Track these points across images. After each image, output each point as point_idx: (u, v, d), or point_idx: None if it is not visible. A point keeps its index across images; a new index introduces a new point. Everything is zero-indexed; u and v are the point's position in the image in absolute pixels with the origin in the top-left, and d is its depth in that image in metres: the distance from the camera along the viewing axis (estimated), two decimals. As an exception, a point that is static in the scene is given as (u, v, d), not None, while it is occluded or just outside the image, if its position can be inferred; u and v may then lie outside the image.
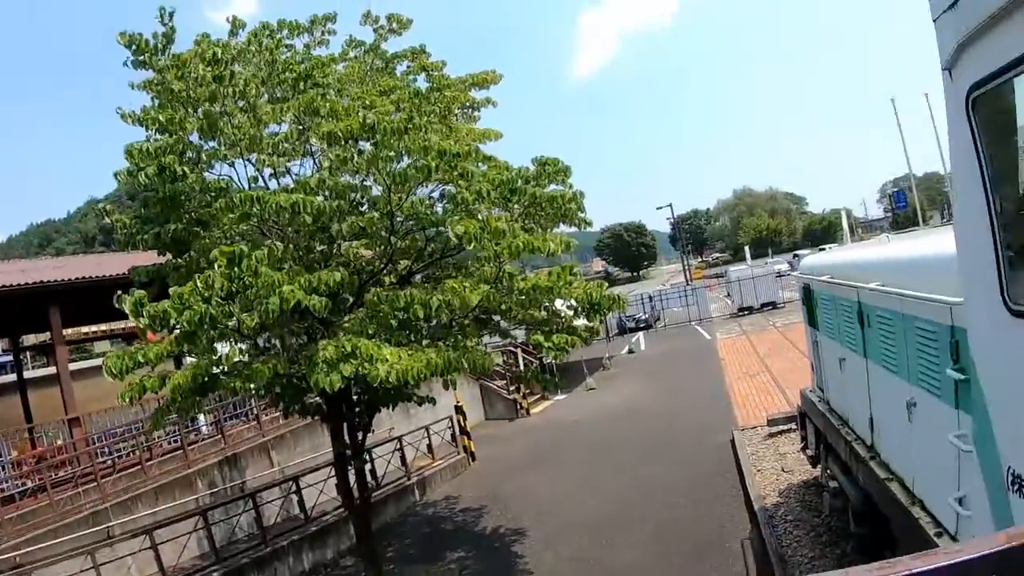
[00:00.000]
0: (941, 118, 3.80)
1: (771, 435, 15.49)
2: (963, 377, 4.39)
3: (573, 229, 11.67)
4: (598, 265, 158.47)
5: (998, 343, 3.62)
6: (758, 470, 13.62)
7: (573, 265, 9.34)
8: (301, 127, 9.56)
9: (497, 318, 10.99)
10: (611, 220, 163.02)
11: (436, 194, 10.16)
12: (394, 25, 11.98)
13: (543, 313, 10.45)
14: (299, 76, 9.79)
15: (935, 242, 5.76)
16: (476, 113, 12.66)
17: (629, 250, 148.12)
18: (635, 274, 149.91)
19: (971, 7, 3.15)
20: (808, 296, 10.16)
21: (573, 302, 9.49)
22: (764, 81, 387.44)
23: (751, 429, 16.53)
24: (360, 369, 7.49)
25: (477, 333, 10.89)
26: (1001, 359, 3.65)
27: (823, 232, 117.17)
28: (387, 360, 7.54)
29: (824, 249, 61.30)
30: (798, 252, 71.71)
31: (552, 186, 9.67)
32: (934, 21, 3.61)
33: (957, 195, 3.94)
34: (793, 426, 13.78)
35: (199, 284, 7.07)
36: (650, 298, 50.02)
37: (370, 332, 8.35)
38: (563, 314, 10.55)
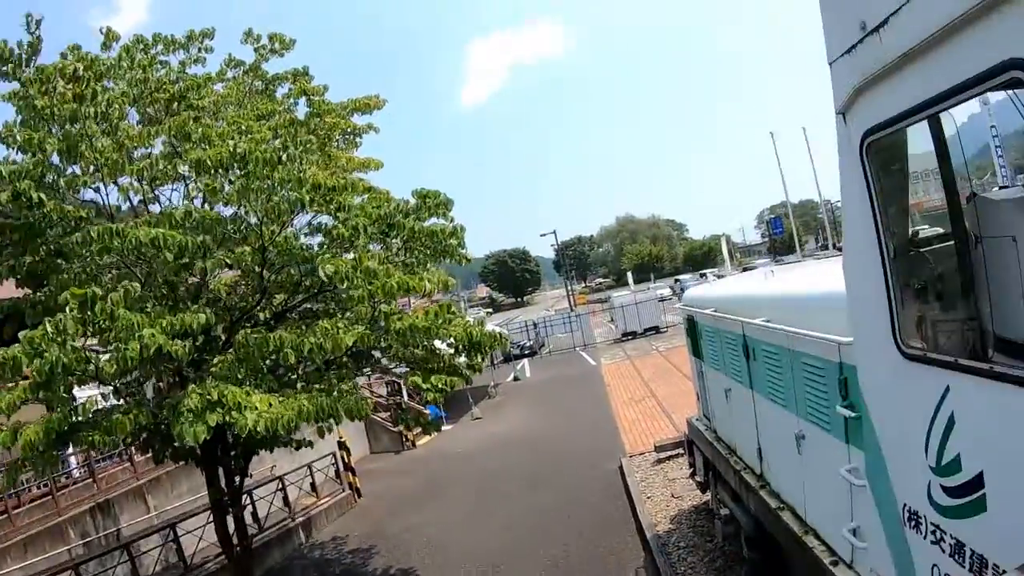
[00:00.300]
0: (817, 150, 3.91)
1: (659, 461, 15.59)
2: (853, 415, 4.46)
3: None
4: (483, 291, 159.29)
5: (890, 385, 3.68)
6: (648, 497, 13.61)
7: (450, 304, 9.14)
8: (176, 150, 8.95)
9: (377, 354, 10.65)
10: (496, 247, 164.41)
11: (316, 223, 9.76)
12: (276, 45, 11.47)
13: (422, 351, 10.16)
14: (172, 96, 9.25)
15: (820, 278, 5.92)
16: (358, 139, 12.34)
17: (514, 276, 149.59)
18: (520, 300, 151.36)
19: (869, 54, 3.19)
20: (692, 327, 10.27)
21: (452, 340, 9.24)
22: (649, 111, 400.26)
23: (639, 455, 16.59)
24: (227, 418, 7.00)
25: (355, 372, 10.55)
26: (894, 400, 3.71)
27: (703, 257, 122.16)
28: (256, 408, 7.11)
29: (705, 275, 63.67)
30: (679, 277, 74.51)
31: (433, 219, 9.47)
32: (830, 64, 3.67)
33: (848, 237, 4.00)
34: (681, 451, 13.95)
35: (50, 328, 6.43)
36: (534, 325, 50.37)
37: (240, 376, 7.87)
38: (442, 353, 10.27)
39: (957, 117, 3.01)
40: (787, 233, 64.49)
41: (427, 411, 19.96)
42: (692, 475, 11.73)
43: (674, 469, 14.71)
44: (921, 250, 3.67)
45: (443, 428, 25.80)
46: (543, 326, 50.84)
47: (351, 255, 8.26)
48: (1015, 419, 2.69)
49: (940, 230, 3.72)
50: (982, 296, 3.10)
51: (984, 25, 2.45)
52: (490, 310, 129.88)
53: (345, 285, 7.79)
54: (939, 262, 3.52)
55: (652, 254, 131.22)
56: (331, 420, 8.25)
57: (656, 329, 43.11)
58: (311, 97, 11.46)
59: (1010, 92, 2.59)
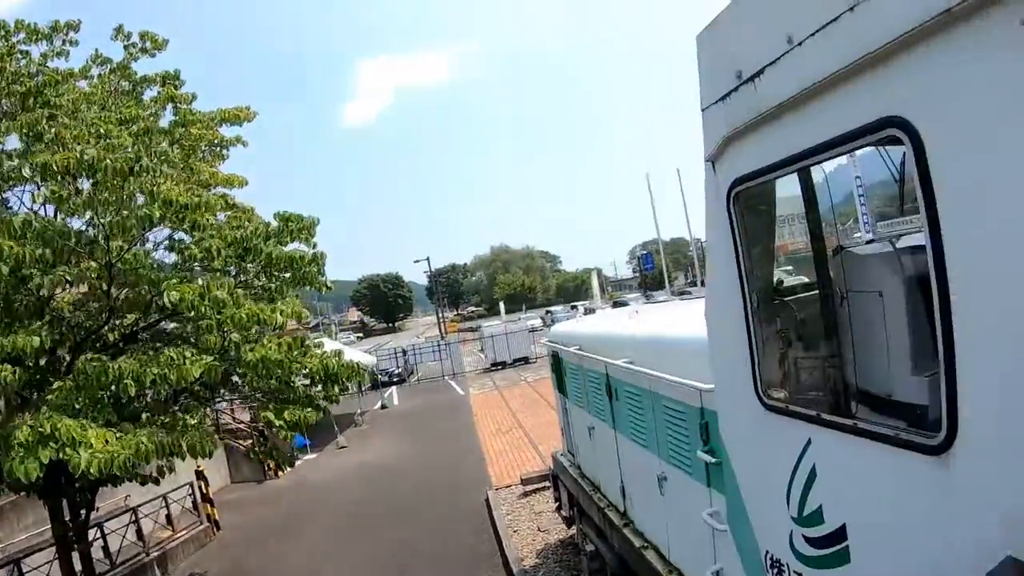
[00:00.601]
0: (689, 190, 3.85)
1: (526, 493, 15.51)
2: (714, 461, 4.45)
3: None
4: (354, 315, 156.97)
5: (751, 434, 3.66)
6: (514, 531, 13.47)
7: (304, 337, 8.75)
8: (30, 149, 8.17)
9: (237, 379, 10.02)
10: (370, 270, 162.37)
11: (176, 238, 9.14)
12: (147, 44, 10.69)
13: (276, 382, 9.62)
14: (28, 91, 8.46)
15: (683, 321, 5.94)
16: (225, 152, 11.60)
17: (386, 301, 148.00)
18: (391, 325, 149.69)
19: (743, 103, 3.15)
20: (557, 363, 10.24)
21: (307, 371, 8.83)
22: (529, 143, 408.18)
23: (506, 488, 16.48)
24: (61, 455, 6.37)
25: (210, 401, 9.91)
26: (754, 450, 3.69)
27: (575, 290, 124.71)
28: (91, 445, 6.48)
29: (576, 307, 64.44)
30: (550, 308, 75.30)
31: (295, 244, 9.08)
32: (703, 111, 3.62)
33: (711, 283, 3.98)
34: (547, 483, 13.91)
35: None
36: (404, 352, 49.67)
37: (77, 406, 7.18)
38: (297, 384, 9.79)
39: (824, 167, 3.03)
40: (657, 269, 66.84)
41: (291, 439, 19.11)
42: (558, 509, 11.67)
43: (540, 502, 14.64)
44: (785, 299, 3.69)
45: (308, 456, 25.12)
46: (413, 353, 50.18)
47: (201, 280, 7.73)
48: (878, 474, 2.69)
49: (805, 279, 3.77)
50: (846, 350, 3.13)
51: (864, 80, 2.45)
52: (360, 334, 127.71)
53: (192, 314, 7.29)
54: (803, 313, 3.55)
55: (524, 285, 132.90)
56: (173, 458, 7.67)
57: (525, 360, 43.34)
58: (178, 105, 10.69)
59: (882, 147, 2.60)
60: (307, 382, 9.61)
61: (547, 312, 68.71)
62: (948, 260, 2.21)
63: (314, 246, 9.20)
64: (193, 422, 8.51)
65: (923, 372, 2.79)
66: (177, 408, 8.83)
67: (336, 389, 9.58)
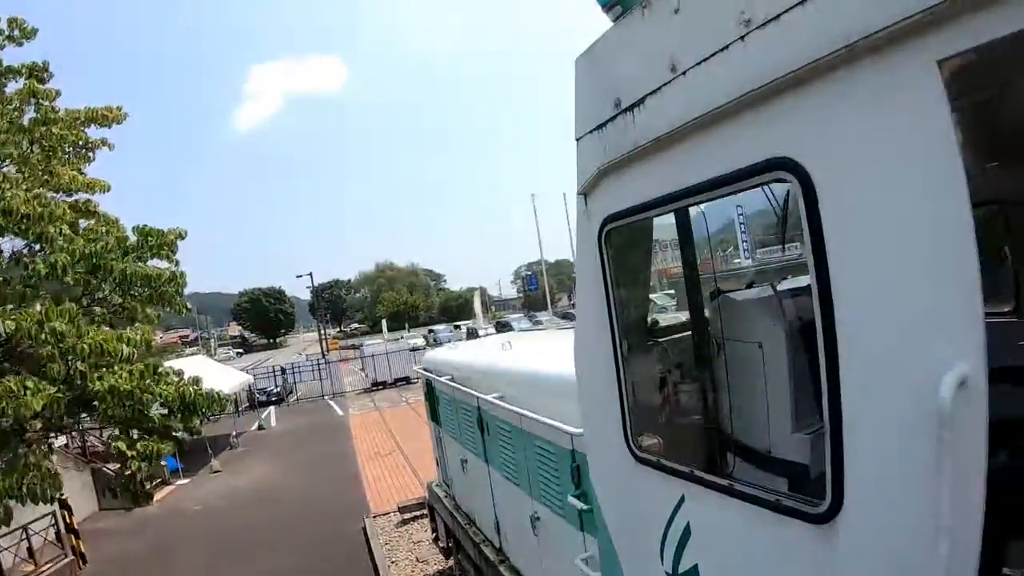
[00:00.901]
0: (574, 214, 3.53)
1: (404, 522, 15.20)
2: (586, 507, 4.22)
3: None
4: (234, 330, 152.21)
5: (622, 486, 3.43)
6: (392, 561, 13.13)
7: (158, 364, 8.11)
8: None
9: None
10: (251, 283, 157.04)
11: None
12: (15, 31, 9.65)
13: (128, 412, 8.90)
14: None
15: (555, 356, 5.71)
16: (91, 155, 10.60)
17: (267, 316, 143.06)
18: (272, 341, 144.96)
19: (620, 134, 2.90)
20: (431, 391, 9.93)
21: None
22: (417, 161, 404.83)
23: (383, 516, 16.07)
24: None
25: (60, 431, 9.01)
26: (626, 502, 3.46)
27: (459, 309, 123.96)
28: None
29: (459, 326, 64.19)
30: (433, 328, 74.74)
31: (155, 261, 8.41)
32: (577, 140, 3.36)
33: (580, 325, 3.72)
34: (426, 512, 13.58)
35: None
36: (283, 370, 48.09)
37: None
38: (153, 414, 9.07)
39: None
40: (541, 290, 67.42)
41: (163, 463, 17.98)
42: (436, 540, 11.42)
43: (419, 531, 14.36)
44: (661, 343, 3.50)
45: (180, 481, 23.83)
46: (292, 372, 48.60)
47: (40, 307, 6.98)
48: (756, 540, 2.49)
49: (683, 319, 3.56)
50: (723, 401, 2.94)
51: (753, 117, 2.24)
52: (241, 350, 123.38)
53: (28, 344, 6.55)
54: (679, 360, 3.36)
55: (408, 303, 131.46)
56: (9, 501, 6.88)
57: (407, 380, 42.64)
58: (40, 101, 9.70)
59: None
60: (164, 411, 8.85)
61: (430, 331, 68.15)
62: (837, 314, 2.03)
63: (176, 263, 8.57)
64: (34, 459, 7.66)
65: (805, 430, 2.62)
66: (23, 442, 7.94)
67: (195, 420, 8.92)
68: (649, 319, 3.63)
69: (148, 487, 11.87)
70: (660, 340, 3.52)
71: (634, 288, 3.40)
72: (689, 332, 3.33)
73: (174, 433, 9.09)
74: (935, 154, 1.76)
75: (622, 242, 3.19)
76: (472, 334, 51.76)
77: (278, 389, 44.99)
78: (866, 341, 1.98)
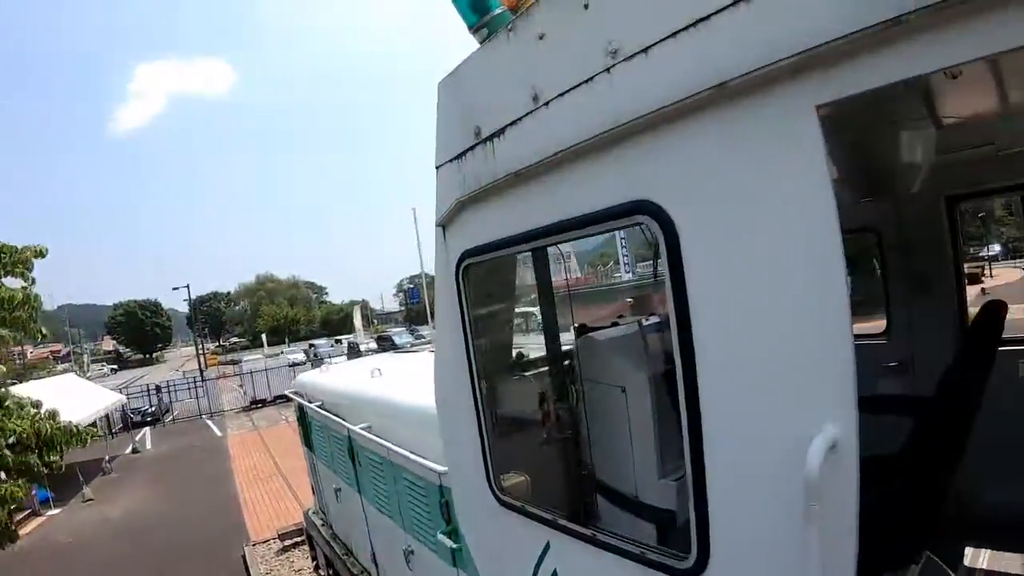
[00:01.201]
0: (424, 230, 3.33)
1: (284, 549, 14.66)
2: (455, 545, 4.05)
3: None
4: (108, 344, 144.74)
5: (488, 530, 3.29)
6: (274, 592, 12.49)
7: (4, 397, 7.45)
8: None
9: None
10: (126, 295, 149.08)
11: None
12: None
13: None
14: None
15: (426, 385, 5.54)
16: None
17: (143, 330, 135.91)
18: (149, 356, 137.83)
19: (479, 165, 2.74)
20: (303, 416, 9.51)
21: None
22: (299, 171, 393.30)
23: (264, 543, 15.44)
24: None
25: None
26: (493, 546, 3.32)
27: (340, 323, 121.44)
28: None
29: (340, 340, 62.82)
30: (314, 342, 72.83)
31: (8, 279, 7.74)
32: (437, 168, 3.18)
33: (439, 362, 3.55)
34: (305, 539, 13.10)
35: None
36: (158, 389, 45.61)
37: None
38: (3, 453, 8.34)
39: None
40: (422, 303, 66.97)
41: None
42: (316, 569, 10.90)
43: (300, 558, 13.83)
44: (525, 379, 3.37)
45: (50, 512, 22.14)
46: (168, 390, 46.16)
47: None
48: None
49: (541, 362, 3.45)
50: (588, 444, 2.83)
51: (617, 156, 2.12)
52: (115, 366, 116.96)
53: None
54: (542, 401, 3.23)
55: (289, 316, 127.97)
56: None
57: (287, 397, 41.18)
58: None
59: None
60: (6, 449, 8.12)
61: (311, 346, 66.27)
62: (699, 365, 1.93)
63: (31, 282, 7.87)
64: None
65: (671, 476, 2.54)
66: None
67: (55, 456, 8.24)
68: (515, 353, 3.50)
69: (11, 526, 10.97)
70: (527, 375, 3.39)
71: (496, 323, 3.26)
72: (552, 373, 3.22)
73: (35, 471, 8.35)
74: (808, 201, 1.69)
75: (482, 276, 3.04)
76: (353, 349, 50.75)
77: (153, 409, 42.67)
78: (730, 395, 1.89)
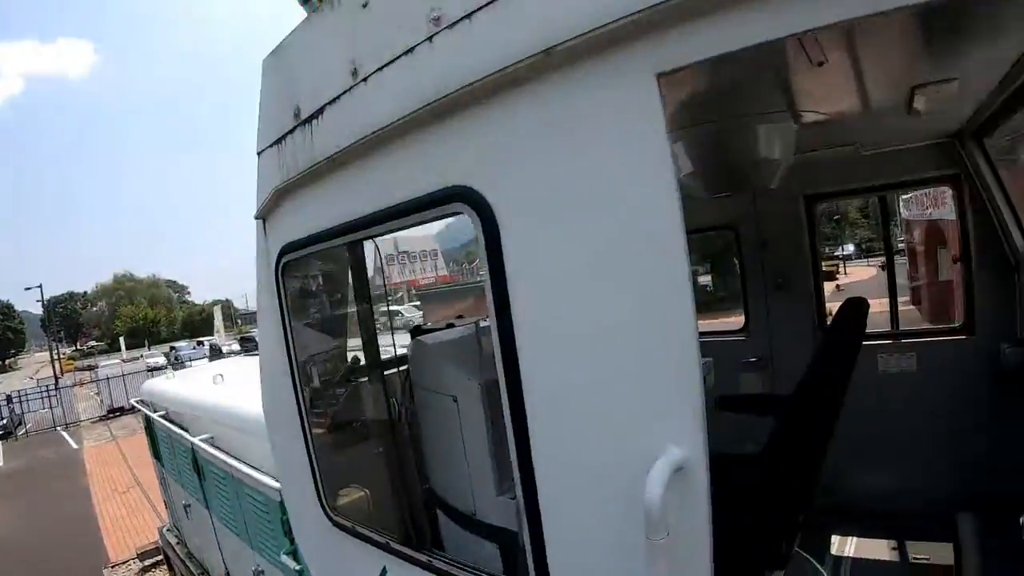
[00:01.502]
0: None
1: (145, 569, 13.63)
2: (298, 567, 3.73)
3: None
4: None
5: (325, 551, 3.00)
6: (135, 616, 11.81)
7: None
8: None
9: None
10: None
11: None
12: None
13: None
14: None
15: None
16: None
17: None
18: (1, 363, 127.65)
19: (297, 149, 2.43)
20: (150, 426, 8.83)
21: None
22: (158, 165, 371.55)
23: (123, 564, 14.39)
24: None
25: None
26: (331, 568, 3.03)
27: (202, 323, 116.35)
28: None
29: (202, 343, 60.34)
30: (175, 344, 69.26)
31: None
32: (258, 154, 2.83)
33: (265, 372, 3.20)
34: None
35: None
36: (8, 399, 42.20)
37: None
38: None
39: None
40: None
41: None
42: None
43: (164, 578, 13.01)
44: (360, 389, 3.08)
45: None
46: (20, 401, 42.81)
47: None
48: None
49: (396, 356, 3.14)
50: (424, 459, 2.57)
51: (434, 136, 1.87)
52: None
53: None
54: (377, 411, 2.95)
55: (148, 317, 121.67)
56: None
57: (146, 404, 39.12)
58: None
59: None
60: None
61: (171, 348, 62.88)
62: (524, 376, 1.70)
63: None
64: None
65: (509, 492, 2.32)
66: None
67: None
68: (350, 357, 3.19)
69: None
70: (360, 382, 3.09)
71: (325, 325, 2.95)
72: (394, 374, 2.94)
73: None
74: (648, 187, 1.47)
75: (306, 273, 2.73)
76: (215, 351, 48.63)
77: (4, 421, 39.48)
78: (560, 410, 1.66)
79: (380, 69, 2.00)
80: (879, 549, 4.36)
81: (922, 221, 19.95)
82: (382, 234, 2.21)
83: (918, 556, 4.21)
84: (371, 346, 2.63)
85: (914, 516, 4.39)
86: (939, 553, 4.13)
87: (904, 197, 19.53)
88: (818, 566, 4.11)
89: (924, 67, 2.50)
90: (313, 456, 2.71)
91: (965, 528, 4.06)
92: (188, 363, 36.29)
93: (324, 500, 2.72)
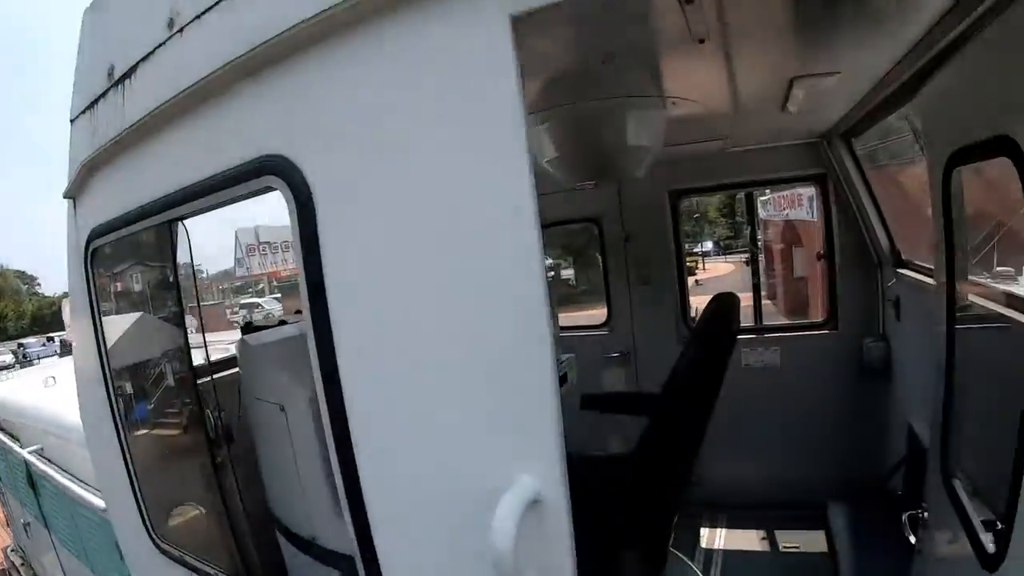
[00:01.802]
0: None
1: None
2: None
3: None
4: None
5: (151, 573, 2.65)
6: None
7: None
8: None
9: None
10: None
11: None
12: None
13: None
14: None
15: None
16: None
17: None
18: None
19: (108, 115, 2.04)
20: None
21: None
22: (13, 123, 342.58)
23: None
24: None
25: None
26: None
27: (53, 318, 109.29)
28: None
29: (52, 338, 56.26)
30: (23, 341, 63.96)
31: None
32: (71, 123, 2.40)
33: (79, 372, 2.79)
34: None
35: None
36: None
37: None
38: None
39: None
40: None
41: None
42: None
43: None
44: (196, 393, 2.73)
45: None
46: None
47: None
48: None
49: (207, 370, 2.79)
50: (258, 479, 2.27)
51: (248, 96, 1.56)
52: None
53: None
54: (203, 425, 2.60)
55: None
56: None
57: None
58: None
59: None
60: None
61: (19, 345, 58.19)
62: (345, 388, 1.41)
63: None
64: None
65: None
66: None
67: None
68: (182, 359, 2.83)
69: None
70: (181, 389, 2.72)
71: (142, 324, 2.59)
72: (222, 378, 2.61)
73: None
74: (500, 164, 1.19)
75: (122, 261, 2.37)
76: (67, 347, 45.45)
77: None
78: (391, 428, 1.40)
79: (198, 17, 1.67)
80: (750, 540, 4.39)
81: (778, 221, 20.98)
82: (193, 214, 1.88)
83: (788, 545, 4.25)
84: (185, 347, 2.30)
85: (784, 506, 4.46)
86: (811, 541, 4.20)
87: (762, 199, 20.39)
88: (688, 561, 4.08)
89: (807, 57, 2.40)
90: (133, 473, 2.35)
91: (836, 516, 4.12)
92: (36, 361, 33.75)
93: (148, 524, 2.38)
